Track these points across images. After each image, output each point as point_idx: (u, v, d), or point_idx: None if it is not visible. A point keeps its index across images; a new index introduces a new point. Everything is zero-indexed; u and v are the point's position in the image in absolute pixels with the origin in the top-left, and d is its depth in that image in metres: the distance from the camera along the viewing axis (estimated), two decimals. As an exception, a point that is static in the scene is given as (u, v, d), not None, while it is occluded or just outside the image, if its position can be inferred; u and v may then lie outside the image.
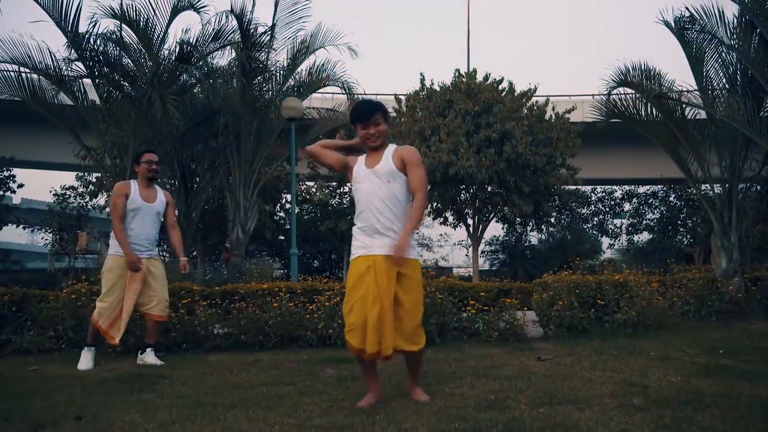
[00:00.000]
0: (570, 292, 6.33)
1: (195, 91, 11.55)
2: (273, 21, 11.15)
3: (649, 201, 22.35)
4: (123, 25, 9.88)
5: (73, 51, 9.46)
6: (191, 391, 3.91)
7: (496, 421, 2.96)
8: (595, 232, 24.27)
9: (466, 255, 30.45)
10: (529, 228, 22.28)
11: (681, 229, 21.49)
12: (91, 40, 9.37)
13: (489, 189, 17.50)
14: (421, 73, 19.05)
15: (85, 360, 4.96)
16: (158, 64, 9.83)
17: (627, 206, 23.58)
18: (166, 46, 10.22)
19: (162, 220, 5.40)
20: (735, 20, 8.54)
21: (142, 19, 9.86)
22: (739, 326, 7.02)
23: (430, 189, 16.72)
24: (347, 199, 20.80)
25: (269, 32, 11.09)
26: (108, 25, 10.13)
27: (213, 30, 10.23)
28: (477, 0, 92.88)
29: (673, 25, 8.87)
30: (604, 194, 24.11)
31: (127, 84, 9.91)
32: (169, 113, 9.68)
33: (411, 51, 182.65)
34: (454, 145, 16.03)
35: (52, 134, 16.96)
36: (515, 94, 17.66)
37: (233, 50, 11.00)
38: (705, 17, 8.58)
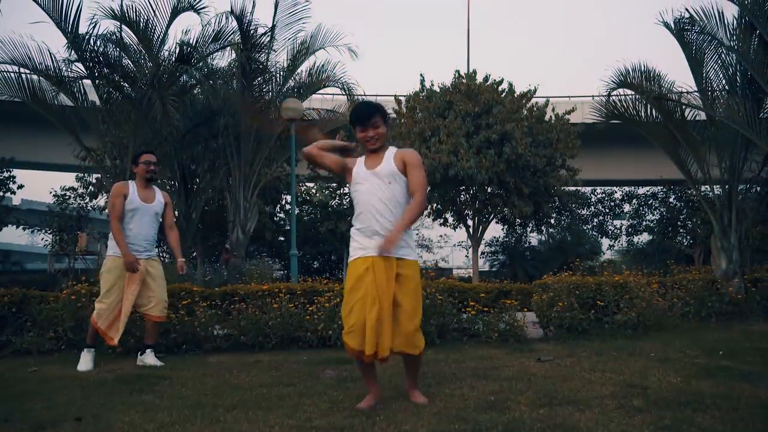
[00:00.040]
0: (570, 293, 6.33)
1: (195, 92, 11.56)
2: (273, 22, 11.17)
3: (649, 202, 22.37)
4: (123, 26, 9.89)
5: (73, 52, 9.46)
6: (191, 392, 3.91)
7: (496, 423, 2.96)
8: (595, 233, 24.28)
9: (466, 256, 30.52)
10: (528, 229, 22.28)
11: (681, 231, 21.50)
12: (91, 41, 9.38)
13: (489, 190, 17.51)
14: (420, 74, 19.06)
15: (85, 361, 4.95)
16: (158, 65, 9.84)
17: (627, 207, 23.59)
18: (166, 47, 10.25)
19: (160, 220, 5.40)
20: (735, 21, 8.55)
21: (142, 20, 9.87)
22: (739, 327, 7.02)
23: (430, 190, 16.73)
24: (347, 200, 20.80)
25: (269, 33, 11.11)
26: (108, 26, 10.16)
27: (213, 31, 10.25)
28: (477, 1, 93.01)
29: (672, 26, 8.88)
30: (604, 195, 24.12)
31: (127, 85, 9.91)
32: (169, 114, 9.69)
33: (411, 52, 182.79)
34: (454, 146, 16.04)
35: (52, 135, 16.96)
36: (515, 95, 17.67)
37: (233, 51, 11.01)
38: (705, 18, 8.59)
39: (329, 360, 4.98)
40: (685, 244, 21.32)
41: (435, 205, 18.11)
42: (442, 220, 19.44)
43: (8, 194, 20.92)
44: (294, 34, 11.37)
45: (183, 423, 3.12)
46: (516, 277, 19.15)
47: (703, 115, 9.05)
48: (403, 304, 3.27)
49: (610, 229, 23.94)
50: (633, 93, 9.11)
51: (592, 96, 17.64)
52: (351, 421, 3.07)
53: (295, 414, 3.24)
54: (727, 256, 8.54)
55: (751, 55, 8.34)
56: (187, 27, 13.88)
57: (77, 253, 22.07)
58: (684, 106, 8.79)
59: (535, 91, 18.20)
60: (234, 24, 10.44)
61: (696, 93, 9.11)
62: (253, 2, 10.50)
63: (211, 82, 11.40)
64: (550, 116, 17.82)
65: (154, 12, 9.92)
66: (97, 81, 9.80)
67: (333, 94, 17.01)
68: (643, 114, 9.06)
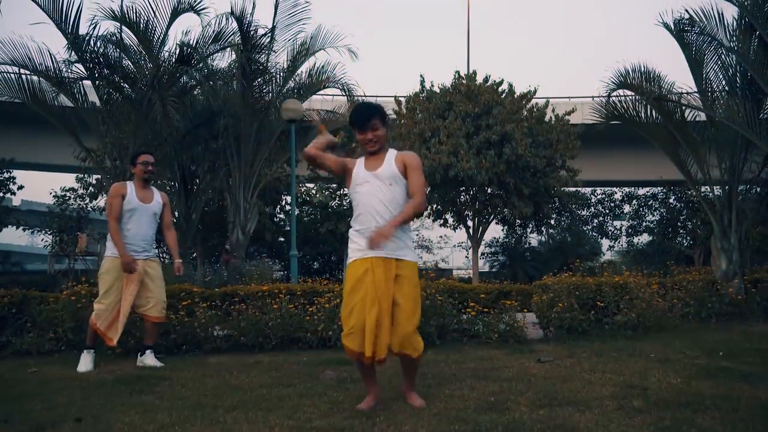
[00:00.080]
0: (570, 294, 6.33)
1: (195, 92, 11.56)
2: (273, 23, 11.17)
3: (649, 203, 22.37)
4: (123, 27, 9.90)
5: (73, 53, 9.46)
6: (191, 392, 3.91)
7: (496, 423, 2.96)
8: (594, 234, 24.29)
9: (466, 257, 30.52)
10: (528, 230, 22.28)
11: (681, 231, 21.50)
12: (92, 42, 9.38)
13: (489, 191, 17.51)
14: (421, 75, 19.07)
15: (85, 362, 4.96)
16: (158, 66, 9.84)
17: (627, 208, 23.59)
18: (166, 48, 10.26)
19: (159, 221, 5.41)
20: (734, 22, 8.55)
21: (142, 21, 9.88)
22: (739, 328, 7.02)
23: (430, 191, 16.73)
24: (347, 201, 20.80)
25: (269, 34, 11.11)
26: (108, 26, 10.19)
27: (213, 32, 10.26)
28: (477, 1, 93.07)
29: (672, 27, 8.88)
30: (603, 196, 24.13)
31: (127, 86, 9.91)
32: (169, 115, 9.69)
33: (411, 52, 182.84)
34: (454, 146, 16.04)
35: (52, 136, 16.96)
36: (515, 95, 17.68)
37: (233, 52, 11.02)
38: (704, 19, 8.60)
39: (329, 361, 4.98)
40: (685, 244, 21.32)
41: (435, 205, 18.11)
42: (442, 221, 19.44)
43: (8, 195, 20.92)
44: (294, 35, 11.39)
45: (183, 424, 3.12)
46: (516, 278, 19.15)
47: (703, 116, 9.05)
48: (401, 304, 3.26)
49: (610, 230, 23.95)
50: (633, 94, 9.11)
51: (592, 97, 17.68)
52: (351, 422, 3.07)
53: (295, 415, 3.24)
54: (727, 257, 8.54)
55: (750, 56, 8.35)
56: (187, 28, 13.85)
57: (77, 254, 22.07)
58: (684, 107, 8.79)
59: (535, 91, 18.22)
60: (234, 25, 10.45)
61: (696, 94, 9.12)
62: (254, 3, 10.51)
63: (211, 83, 11.41)
64: (550, 117, 17.82)
65: (154, 13, 9.93)
66: (97, 82, 9.80)
67: (333, 95, 17.03)
68: (643, 115, 9.06)
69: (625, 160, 25.45)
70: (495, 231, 50.44)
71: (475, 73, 18.30)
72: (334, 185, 21.41)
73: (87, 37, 9.31)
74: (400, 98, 18.75)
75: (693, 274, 9.80)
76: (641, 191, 23.28)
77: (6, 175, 20.49)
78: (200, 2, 10.15)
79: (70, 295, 5.98)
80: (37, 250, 35.79)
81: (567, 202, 20.40)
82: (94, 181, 20.32)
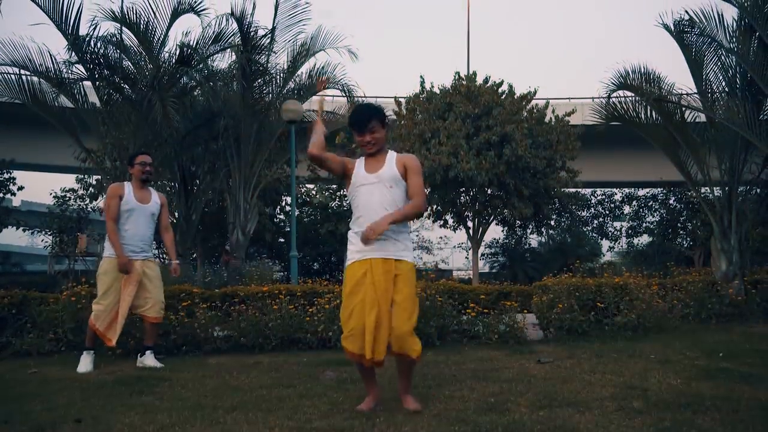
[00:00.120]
0: (570, 294, 6.33)
1: (195, 93, 11.56)
2: (273, 24, 11.18)
3: (649, 204, 22.34)
4: (123, 28, 9.91)
5: (73, 54, 9.46)
6: (191, 393, 3.91)
7: (496, 424, 2.96)
8: (594, 235, 24.25)
9: (466, 258, 30.45)
10: (528, 231, 22.26)
11: (681, 232, 21.47)
12: (92, 43, 9.37)
13: (489, 191, 17.50)
14: (421, 76, 19.06)
15: (85, 363, 4.96)
16: (158, 67, 9.84)
17: (627, 209, 23.57)
18: (166, 49, 10.26)
19: (157, 221, 5.41)
20: (734, 23, 8.56)
21: (142, 22, 9.89)
22: (738, 329, 7.02)
23: (430, 191, 16.74)
24: (347, 202, 20.78)
25: (269, 35, 11.11)
26: (108, 27, 10.18)
27: (213, 33, 10.27)
28: (477, 2, 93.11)
29: (672, 28, 8.89)
30: (603, 197, 24.09)
31: (127, 87, 9.91)
32: (169, 116, 9.70)
33: (411, 53, 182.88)
34: (454, 147, 16.04)
35: (52, 137, 16.96)
36: (515, 96, 17.67)
37: (233, 53, 11.02)
38: (704, 20, 8.60)
39: (329, 361, 4.98)
40: (685, 245, 21.29)
41: (435, 206, 18.10)
42: (442, 222, 19.42)
43: (8, 196, 20.90)
44: (294, 36, 11.39)
45: (183, 424, 3.12)
46: (516, 279, 19.13)
47: (703, 117, 9.06)
48: (399, 303, 3.25)
49: (610, 231, 23.91)
50: (633, 95, 9.12)
51: (592, 98, 17.66)
52: (351, 422, 3.07)
53: (295, 415, 3.24)
54: (727, 258, 8.54)
55: (750, 57, 8.35)
56: (187, 29, 13.88)
57: (77, 255, 22.04)
58: (684, 108, 8.80)
59: (535, 92, 18.22)
60: (234, 26, 10.45)
61: (696, 95, 9.13)
62: (254, 4, 10.51)
63: (211, 83, 11.41)
64: (550, 118, 17.82)
65: (154, 14, 9.94)
66: (97, 83, 9.81)
67: (333, 96, 17.02)
68: (643, 116, 9.07)
69: (625, 161, 25.44)
70: (495, 232, 50.44)
71: (475, 74, 18.30)
72: (334, 186, 21.40)
73: (87, 38, 9.31)
74: (400, 99, 18.75)
75: (693, 275, 9.80)
76: (641, 192, 23.25)
77: (6, 175, 20.47)
78: (200, 3, 10.17)
79: (70, 296, 5.98)
80: (37, 251, 35.75)
81: (567, 202, 20.38)
82: (94, 182, 20.30)
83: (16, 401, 3.76)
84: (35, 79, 9.85)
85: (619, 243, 24.15)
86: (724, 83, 8.88)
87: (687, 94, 9.21)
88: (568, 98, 23.66)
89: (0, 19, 8.74)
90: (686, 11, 8.70)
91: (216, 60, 11.20)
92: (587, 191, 23.89)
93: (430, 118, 16.95)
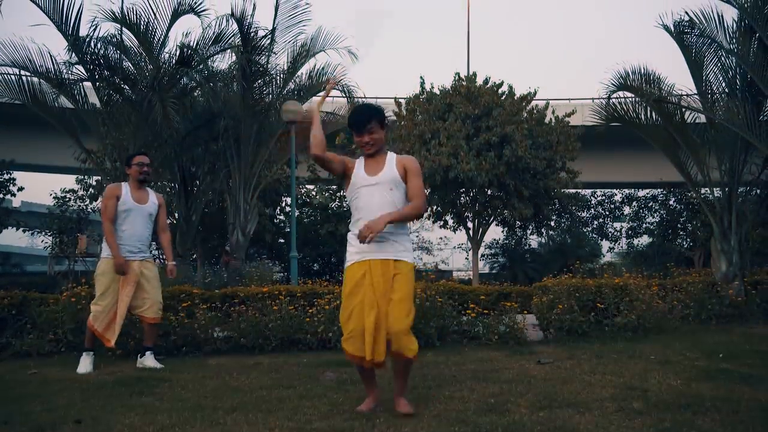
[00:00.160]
0: (570, 295, 6.33)
1: (195, 94, 11.56)
2: (273, 25, 11.18)
3: (649, 204, 22.35)
4: (123, 29, 9.91)
5: (73, 54, 9.46)
6: (191, 394, 3.91)
7: (496, 425, 2.96)
8: (594, 236, 24.26)
9: (466, 258, 30.40)
10: (528, 231, 22.27)
11: (681, 233, 21.47)
12: (92, 44, 9.38)
13: (489, 192, 17.51)
14: (421, 77, 19.07)
15: (84, 364, 4.96)
16: (159, 68, 9.85)
17: (627, 210, 23.58)
18: (166, 50, 10.27)
19: (154, 222, 5.41)
20: (734, 24, 8.57)
21: (142, 23, 9.89)
22: (739, 330, 7.02)
23: (429, 192, 16.74)
24: (347, 203, 20.65)
25: (269, 36, 11.11)
26: (109, 28, 10.19)
27: (213, 33, 10.27)
28: (477, 3, 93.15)
29: (672, 29, 8.89)
30: (603, 198, 24.10)
31: (127, 87, 9.92)
32: (169, 116, 9.70)
33: (411, 54, 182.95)
34: (454, 148, 16.05)
35: (52, 137, 16.94)
36: (515, 97, 17.68)
37: (234, 54, 11.02)
38: (704, 21, 8.61)
39: (329, 362, 4.98)
40: (685, 246, 21.30)
41: (435, 207, 18.12)
42: (442, 223, 19.43)
43: (8, 196, 20.91)
44: (294, 37, 11.38)
45: (183, 425, 3.12)
46: (516, 280, 19.13)
47: (702, 118, 9.06)
48: (396, 302, 3.23)
49: (610, 232, 23.92)
50: (633, 95, 9.12)
51: (592, 98, 17.55)
52: (351, 423, 3.07)
53: (295, 416, 3.24)
54: (727, 259, 8.54)
55: (750, 58, 8.36)
56: (187, 29, 13.85)
57: (77, 256, 22.04)
58: (684, 109, 8.80)
59: (535, 93, 18.23)
60: (234, 27, 10.45)
61: (696, 96, 9.14)
62: (254, 5, 10.50)
63: (211, 84, 11.41)
64: (550, 119, 17.83)
65: (154, 14, 9.94)
66: (97, 83, 9.81)
67: (333, 97, 16.97)
68: (642, 116, 9.07)
69: (625, 162, 25.45)
70: (495, 232, 50.50)
71: (475, 74, 18.31)
72: (334, 187, 21.41)
73: (87, 39, 9.32)
74: (400, 100, 18.76)
75: (693, 275, 9.80)
76: (641, 193, 23.26)
77: (6, 176, 20.48)
78: (200, 4, 10.18)
79: (70, 297, 5.98)
80: (37, 252, 35.75)
81: (567, 203, 20.39)
82: (94, 183, 20.32)
83: (16, 402, 3.76)
84: (35, 79, 9.85)
85: (619, 244, 24.17)
86: (724, 84, 8.88)
87: (687, 95, 9.22)
88: (568, 99, 23.65)
89: (0, 19, 8.75)
90: (686, 12, 8.71)
91: (216, 61, 11.21)
92: (587, 192, 23.90)
93: (430, 119, 16.96)
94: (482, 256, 23.38)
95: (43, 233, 23.46)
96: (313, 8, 11.12)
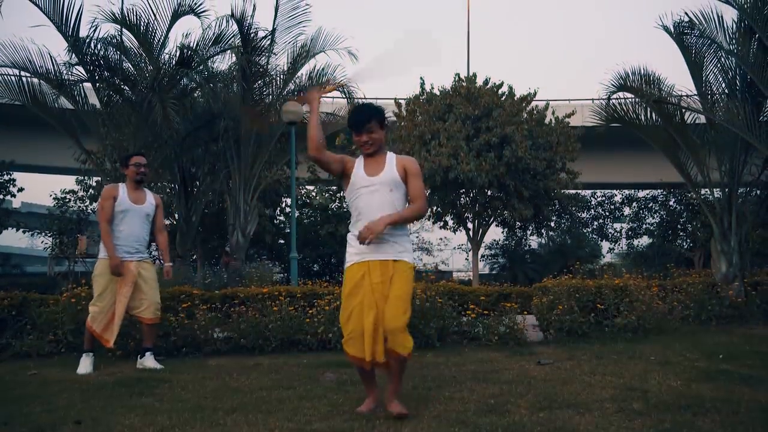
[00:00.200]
0: (570, 296, 6.33)
1: (195, 95, 11.56)
2: (273, 25, 11.17)
3: (649, 205, 22.35)
4: (123, 30, 9.91)
5: (73, 55, 9.46)
6: (191, 395, 3.91)
7: (496, 426, 2.96)
8: (594, 237, 24.26)
9: (466, 259, 30.43)
10: (528, 232, 22.27)
11: (681, 234, 21.48)
12: (92, 45, 9.38)
13: (489, 193, 17.52)
14: (420, 78, 19.08)
15: (84, 365, 4.96)
16: (159, 69, 9.85)
17: (627, 210, 23.58)
18: (166, 51, 10.26)
19: (151, 222, 5.40)
20: (734, 25, 8.56)
21: (142, 24, 9.89)
22: (739, 331, 7.02)
23: (429, 193, 16.74)
24: (347, 204, 20.62)
25: (269, 37, 11.11)
26: (109, 29, 10.16)
27: (213, 34, 10.28)
28: (477, 4, 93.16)
29: (672, 30, 8.89)
30: (603, 198, 24.10)
31: (127, 88, 9.92)
32: (169, 117, 9.69)
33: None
34: (454, 149, 16.05)
35: (52, 138, 16.96)
36: (515, 98, 17.69)
37: (234, 54, 11.02)
38: (704, 22, 8.61)
39: (329, 363, 4.98)
40: (685, 247, 21.30)
41: (435, 208, 18.12)
42: (442, 223, 19.43)
43: (8, 197, 20.92)
44: (294, 38, 11.37)
45: (183, 426, 3.12)
46: (516, 280, 19.13)
47: (702, 119, 9.06)
48: (392, 299, 3.22)
49: (610, 232, 23.92)
50: (633, 96, 9.12)
51: (592, 99, 17.59)
52: (351, 424, 3.07)
53: (295, 417, 3.24)
54: (727, 260, 8.54)
55: (750, 59, 8.36)
56: (187, 30, 13.85)
57: (77, 256, 22.04)
58: (684, 110, 8.80)
59: (535, 94, 18.24)
60: (234, 27, 10.45)
61: (696, 96, 9.14)
62: (254, 6, 10.51)
63: (211, 85, 11.41)
64: (550, 119, 17.84)
65: (154, 15, 9.94)
66: (97, 84, 9.81)
67: (333, 97, 16.98)
68: (642, 117, 9.07)
69: (625, 163, 25.45)
70: (495, 233, 50.47)
71: (475, 75, 18.32)
72: (334, 187, 21.41)
73: (87, 40, 9.32)
74: (400, 100, 18.77)
75: (693, 276, 9.79)
76: (641, 193, 23.26)
77: (6, 177, 20.49)
78: (200, 4, 10.18)
79: (70, 298, 5.98)
80: (37, 253, 35.76)
81: (567, 204, 20.40)
82: (94, 183, 20.32)
83: (16, 403, 3.76)
84: (35, 80, 9.84)
85: (619, 244, 24.17)
86: (723, 85, 8.88)
87: (687, 96, 9.22)
88: (568, 100, 23.66)
89: (0, 20, 8.75)
90: (686, 13, 8.71)
91: (216, 61, 11.21)
92: (587, 193, 23.90)
93: (430, 120, 16.96)
94: (482, 256, 23.40)
95: (43, 234, 23.47)
96: (314, 9, 11.14)
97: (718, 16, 8.54)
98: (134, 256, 5.19)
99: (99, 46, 9.47)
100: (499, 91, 17.72)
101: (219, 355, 5.71)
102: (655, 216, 22.19)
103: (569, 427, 2.95)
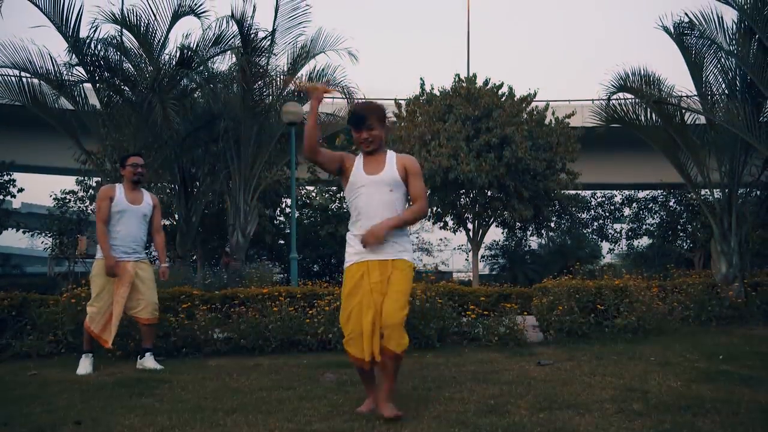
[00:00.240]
0: (570, 296, 6.33)
1: (195, 95, 11.56)
2: (273, 26, 11.18)
3: (649, 206, 22.33)
4: (124, 30, 9.92)
5: (73, 56, 9.47)
6: (191, 395, 3.91)
7: (496, 426, 2.96)
8: (594, 237, 24.25)
9: (466, 259, 30.40)
10: (528, 232, 22.27)
11: (681, 234, 21.47)
12: (92, 45, 9.39)
13: (489, 193, 17.52)
14: (421, 78, 19.12)
15: (84, 366, 4.96)
16: (159, 69, 9.85)
17: (627, 211, 23.57)
18: (166, 51, 10.28)
19: (149, 223, 5.40)
20: (734, 26, 8.57)
21: (142, 24, 9.90)
22: (739, 331, 7.02)
23: (429, 194, 16.74)
24: (347, 204, 20.59)
25: (270, 37, 11.11)
26: (109, 30, 10.16)
27: (213, 35, 10.29)
28: (477, 4, 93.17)
29: (672, 30, 8.89)
30: (603, 199, 24.09)
31: (127, 89, 9.92)
32: (169, 118, 9.70)
33: (411, 55, 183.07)
34: (454, 149, 16.06)
35: (52, 139, 16.97)
36: (515, 98, 17.70)
37: (234, 55, 11.03)
38: (704, 23, 8.61)
39: (329, 363, 4.98)
40: (685, 247, 21.29)
41: (435, 208, 18.13)
42: (442, 224, 19.44)
43: (8, 198, 20.92)
44: (294, 38, 11.38)
45: (183, 426, 3.12)
46: (516, 281, 19.13)
47: (702, 119, 9.06)
48: (390, 295, 3.22)
49: (610, 233, 23.91)
50: (633, 97, 9.12)
51: (592, 100, 17.61)
52: (351, 424, 3.07)
53: (295, 417, 3.24)
54: (727, 260, 8.54)
55: (750, 60, 8.36)
56: (187, 31, 13.86)
57: (77, 257, 22.03)
58: (684, 110, 8.80)
59: (535, 94, 18.25)
60: (234, 28, 10.46)
61: (696, 97, 9.14)
62: (254, 6, 10.51)
63: (211, 85, 11.41)
64: (550, 120, 17.85)
65: (154, 16, 9.96)
66: (97, 85, 9.82)
67: (333, 98, 17.00)
68: (642, 118, 9.07)
69: (625, 163, 25.46)
70: (495, 234, 50.50)
71: (475, 76, 18.33)
72: (334, 188, 21.41)
73: (87, 40, 9.33)
74: (400, 101, 18.78)
75: (693, 277, 9.80)
76: (641, 194, 23.25)
77: (6, 177, 20.49)
78: (201, 5, 10.19)
79: (69, 298, 5.98)
80: (37, 253, 35.74)
81: (567, 205, 20.39)
82: (94, 184, 20.31)
83: (16, 403, 3.76)
84: (35, 81, 9.86)
85: (619, 245, 24.15)
86: (723, 85, 8.88)
87: (687, 97, 9.22)
88: (568, 100, 23.66)
89: (0, 21, 8.76)
90: (686, 13, 8.71)
91: (216, 62, 11.21)
92: (587, 193, 23.90)
93: (430, 120, 16.97)
94: (482, 257, 23.39)
95: (43, 234, 23.46)
96: (314, 9, 11.14)
97: (718, 17, 8.55)
98: (131, 256, 5.19)
99: (99, 47, 9.48)
100: (499, 92, 17.73)
101: (219, 356, 5.71)
102: (655, 217, 22.18)
103: (569, 428, 2.95)
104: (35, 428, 3.14)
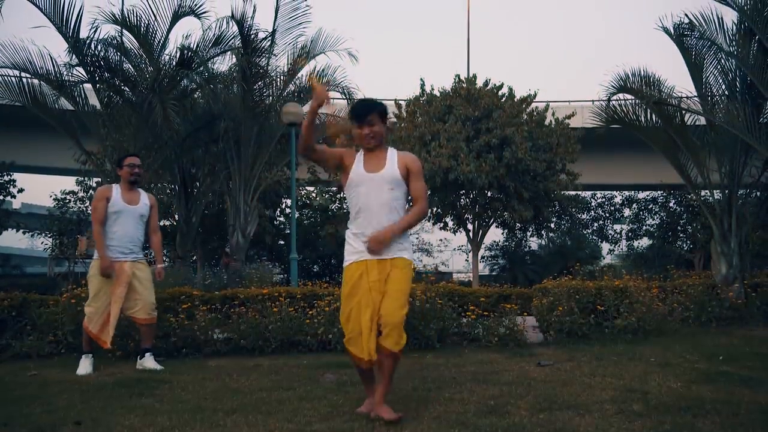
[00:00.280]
0: (570, 297, 6.33)
1: (195, 96, 11.57)
2: (273, 27, 11.18)
3: (649, 207, 22.34)
4: (124, 31, 9.92)
5: (74, 56, 9.47)
6: (191, 395, 3.91)
7: (495, 427, 2.96)
8: (594, 238, 24.25)
9: (465, 260, 30.42)
10: (528, 233, 22.25)
11: (681, 235, 21.47)
12: (92, 46, 9.39)
13: (489, 194, 17.51)
14: (421, 79, 19.08)
15: (84, 366, 4.96)
16: (159, 70, 9.85)
17: (627, 212, 23.57)
18: (166, 52, 10.27)
19: (146, 223, 5.40)
20: (734, 27, 8.57)
21: (143, 25, 9.90)
22: (739, 332, 7.02)
23: (430, 194, 16.73)
24: (347, 204, 20.58)
25: (270, 38, 11.12)
26: (109, 30, 10.17)
27: (214, 35, 10.27)
28: (477, 4, 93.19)
29: (672, 31, 8.90)
30: (603, 200, 24.10)
31: (127, 89, 9.92)
32: (169, 118, 9.70)
33: (411, 56, 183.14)
34: (454, 150, 16.05)
35: (52, 139, 16.98)
36: (515, 99, 17.68)
37: (234, 56, 11.03)
38: (704, 24, 8.62)
39: (329, 364, 4.98)
40: (685, 248, 21.30)
41: (435, 209, 18.12)
42: (442, 224, 19.43)
43: (8, 198, 20.92)
44: (294, 39, 11.38)
45: (183, 427, 3.12)
46: (516, 282, 19.13)
47: (702, 120, 9.07)
48: (389, 293, 3.21)
49: (610, 234, 23.91)
50: (633, 98, 9.12)
51: (592, 100, 17.62)
52: (351, 425, 3.07)
53: (295, 418, 3.24)
54: (727, 261, 8.54)
55: (750, 61, 8.36)
56: (187, 31, 13.89)
57: (77, 257, 22.03)
58: (684, 111, 8.81)
59: (535, 95, 18.24)
60: (234, 28, 10.45)
61: (696, 98, 9.14)
62: (254, 7, 10.50)
63: (211, 86, 11.41)
64: (550, 120, 17.84)
65: (154, 16, 9.95)
66: (97, 85, 9.82)
67: (333, 99, 17.00)
68: (642, 119, 9.08)
69: (625, 164, 25.45)
70: (495, 234, 50.56)
71: (475, 76, 18.32)
72: (335, 188, 21.43)
73: (88, 41, 9.33)
74: (400, 101, 18.78)
75: (693, 278, 9.80)
76: (641, 195, 23.25)
77: (6, 178, 20.50)
78: (201, 5, 10.19)
79: (69, 298, 5.98)
80: (37, 253, 35.75)
81: (567, 205, 20.38)
82: (94, 184, 20.32)
83: (16, 403, 3.76)
84: (36, 81, 9.85)
85: (619, 246, 24.16)
86: (723, 86, 8.89)
87: (687, 97, 9.22)
88: (568, 101, 23.65)
89: (0, 21, 8.76)
90: (686, 14, 8.72)
91: (216, 62, 11.21)
92: (587, 194, 23.90)
93: (430, 121, 16.96)
94: (482, 258, 23.39)
95: (43, 235, 23.46)
96: (314, 10, 11.15)
97: (718, 18, 8.56)
98: (128, 256, 5.18)
99: (99, 47, 9.48)
100: (499, 93, 17.72)
101: (219, 356, 5.71)
102: (655, 217, 22.18)
103: (569, 429, 2.95)
104: (35, 428, 3.14)
